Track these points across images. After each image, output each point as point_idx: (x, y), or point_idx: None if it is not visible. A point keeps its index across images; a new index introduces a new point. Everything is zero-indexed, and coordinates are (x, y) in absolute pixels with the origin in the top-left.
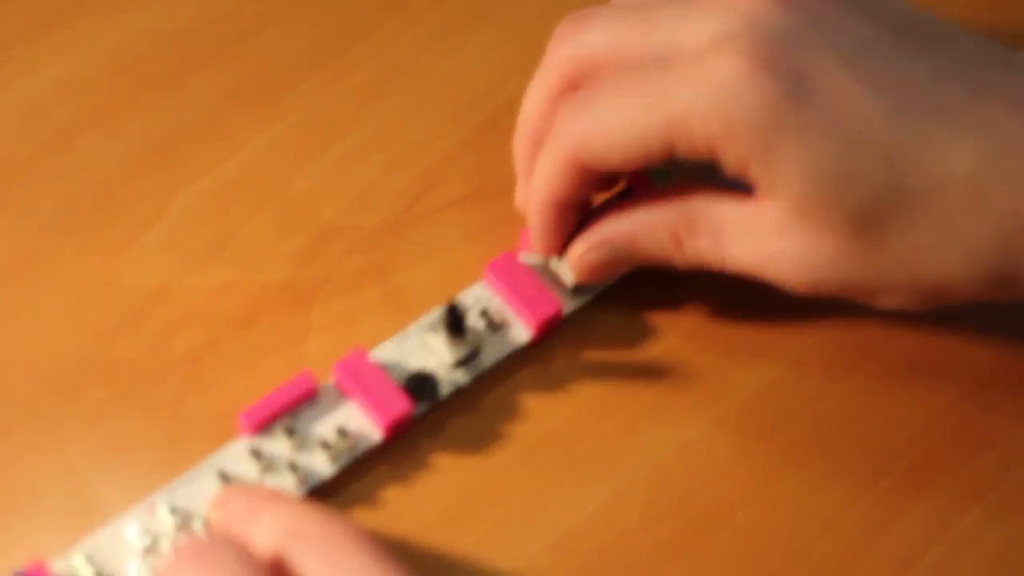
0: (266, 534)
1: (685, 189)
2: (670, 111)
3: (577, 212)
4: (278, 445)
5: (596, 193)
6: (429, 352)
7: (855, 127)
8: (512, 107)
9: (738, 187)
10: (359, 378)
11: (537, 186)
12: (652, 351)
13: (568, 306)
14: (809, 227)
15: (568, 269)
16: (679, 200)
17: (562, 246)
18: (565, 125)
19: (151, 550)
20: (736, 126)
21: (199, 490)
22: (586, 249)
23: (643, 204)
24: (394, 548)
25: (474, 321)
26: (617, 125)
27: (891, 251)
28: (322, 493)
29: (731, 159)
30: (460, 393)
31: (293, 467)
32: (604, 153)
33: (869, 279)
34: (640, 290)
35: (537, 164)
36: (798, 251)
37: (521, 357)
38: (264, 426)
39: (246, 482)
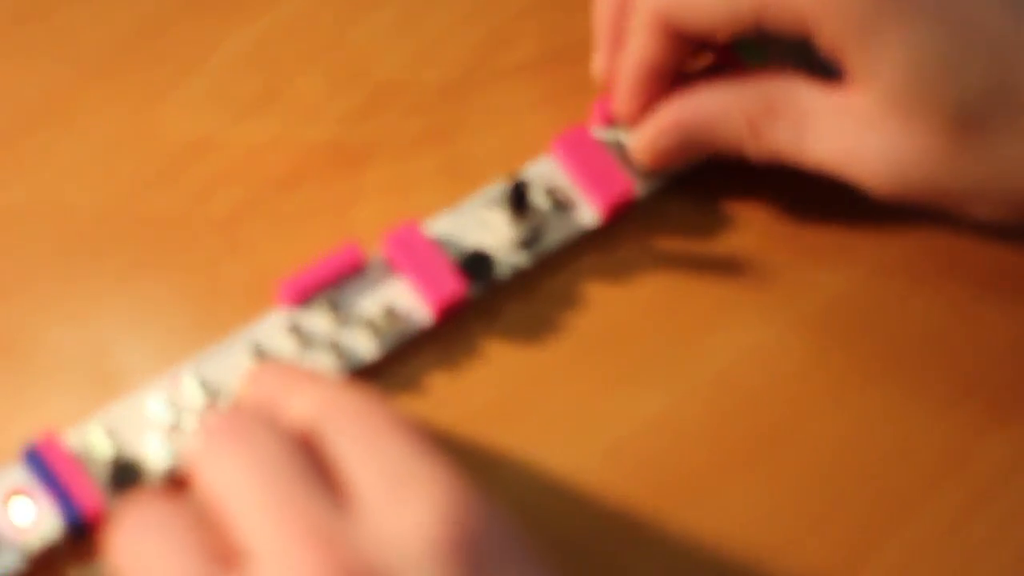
0: (299, 413)
1: (768, 71)
2: None
3: (667, 81)
4: (319, 320)
5: (689, 59)
6: (487, 229)
7: (965, 14)
8: None
9: (829, 75)
10: (411, 253)
11: (630, 49)
12: (726, 244)
13: (641, 188)
14: (902, 121)
15: (634, 153)
16: (760, 82)
17: (645, 112)
18: None
19: (174, 426)
20: (834, 1)
21: (230, 364)
22: (655, 132)
23: (720, 85)
24: (437, 439)
25: (538, 199)
26: None
27: (989, 156)
28: (363, 375)
29: (825, 37)
30: (518, 276)
31: (334, 345)
32: (691, 16)
33: (961, 185)
34: (719, 177)
35: (630, 27)
36: (887, 147)
37: (586, 241)
38: (305, 298)
39: (282, 358)
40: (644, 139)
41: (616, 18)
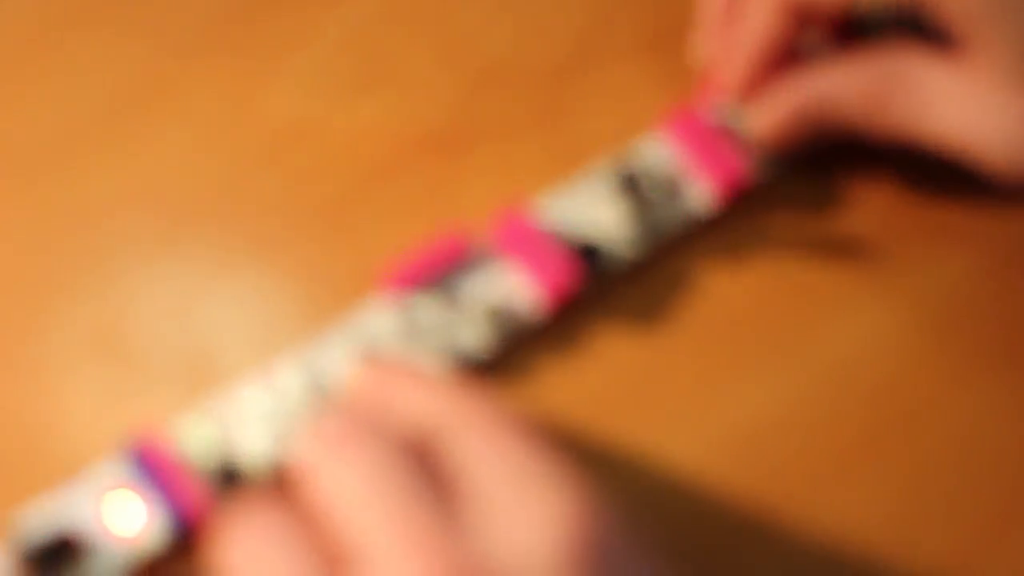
0: (414, 418)
1: (886, 46)
2: None
3: (782, 59)
4: (426, 310)
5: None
6: (599, 215)
7: None
8: None
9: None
10: (521, 239)
11: (752, 26)
12: (846, 228)
13: (758, 171)
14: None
15: (753, 134)
16: (879, 58)
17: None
18: None
19: (275, 419)
20: None
21: (334, 355)
22: (775, 112)
23: (839, 63)
24: (556, 438)
25: (650, 183)
26: None
27: None
28: (475, 368)
29: (948, 5)
30: (632, 262)
31: (441, 336)
32: None
33: None
34: (835, 158)
35: (751, 4)
36: (1010, 122)
37: (700, 226)
38: (411, 285)
39: (389, 351)
40: (764, 119)
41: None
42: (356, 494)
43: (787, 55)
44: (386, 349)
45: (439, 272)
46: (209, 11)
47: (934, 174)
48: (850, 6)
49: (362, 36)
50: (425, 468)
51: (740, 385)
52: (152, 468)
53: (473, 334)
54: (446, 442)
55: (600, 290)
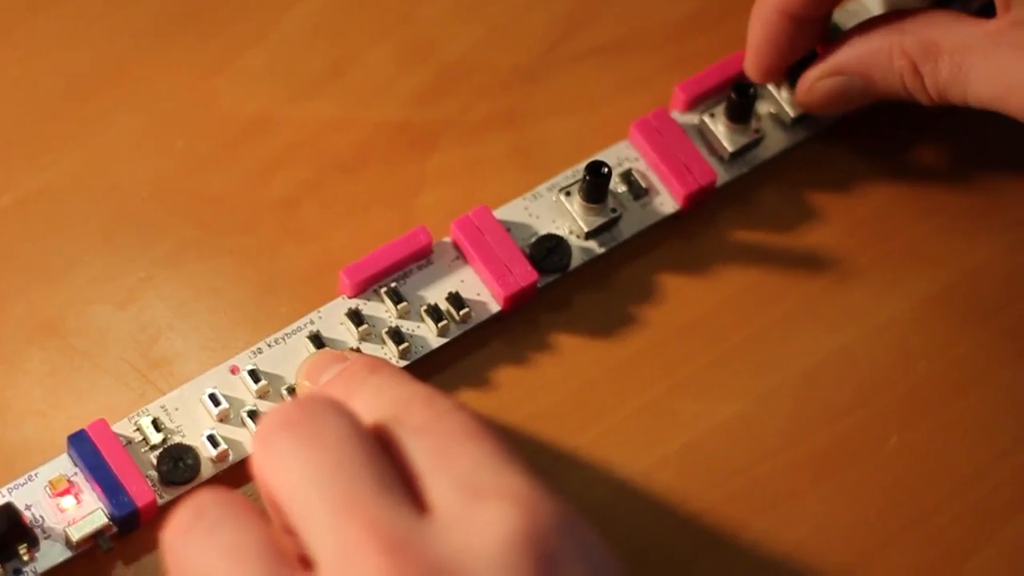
0: (367, 409)
1: (925, 11)
2: None
3: (805, 32)
4: (382, 309)
5: (826, 10)
6: (561, 216)
7: None
8: None
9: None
10: (480, 239)
11: None
12: (812, 238)
13: (723, 175)
14: None
15: (796, 98)
16: (917, 23)
17: (779, 69)
18: None
19: (229, 417)
20: None
21: (289, 353)
22: (818, 76)
23: (879, 27)
24: (509, 438)
25: (614, 185)
26: None
27: None
28: (428, 367)
29: None
30: (592, 265)
31: (397, 335)
32: None
33: None
34: (809, 163)
35: None
36: None
37: (664, 229)
38: (368, 286)
39: (342, 348)
40: (805, 84)
41: None
42: (310, 484)
43: (811, 32)
44: (342, 345)
45: (397, 270)
46: (169, 2)
47: (901, 190)
48: None
49: (323, 31)
50: (387, 458)
51: (699, 394)
52: (99, 457)
53: (427, 332)
54: (402, 435)
55: (560, 291)
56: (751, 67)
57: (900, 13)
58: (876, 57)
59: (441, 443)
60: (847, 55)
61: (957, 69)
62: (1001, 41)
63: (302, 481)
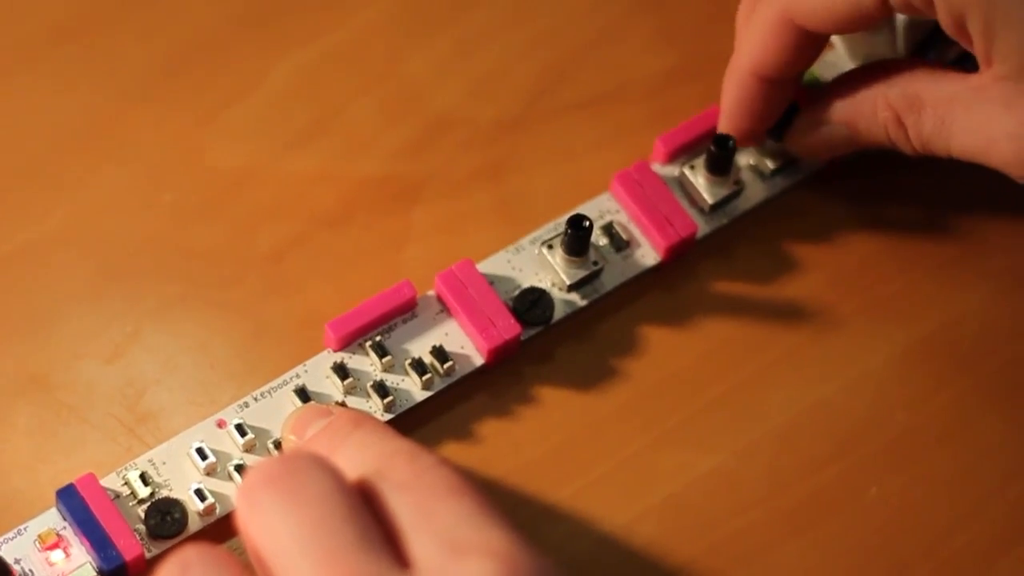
0: (350, 465)
1: (911, 64)
2: None
3: (777, 94)
4: (367, 363)
5: (803, 66)
6: (544, 269)
7: None
8: None
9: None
10: (463, 292)
11: (740, 50)
12: (795, 288)
13: (704, 227)
14: None
15: (786, 140)
16: (902, 75)
17: (756, 129)
18: None
19: (216, 471)
20: None
21: (275, 407)
22: (806, 125)
23: (865, 78)
24: (491, 491)
25: (596, 238)
26: None
27: None
28: (411, 419)
29: (946, 11)
30: (574, 318)
31: (382, 389)
32: (815, 7)
33: None
34: (789, 214)
35: (746, 27)
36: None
37: (646, 282)
38: (353, 339)
39: (327, 402)
40: (793, 135)
41: None
42: (293, 539)
43: (785, 92)
44: (328, 399)
45: (381, 324)
46: (153, 56)
47: (882, 241)
48: (853, 17)
49: (309, 86)
50: (369, 514)
51: (680, 447)
52: (87, 511)
53: (411, 385)
54: (384, 491)
55: (543, 344)
56: (727, 128)
57: (885, 65)
58: (861, 108)
59: (423, 499)
60: (833, 105)
61: (940, 122)
62: (983, 96)
63: (285, 536)
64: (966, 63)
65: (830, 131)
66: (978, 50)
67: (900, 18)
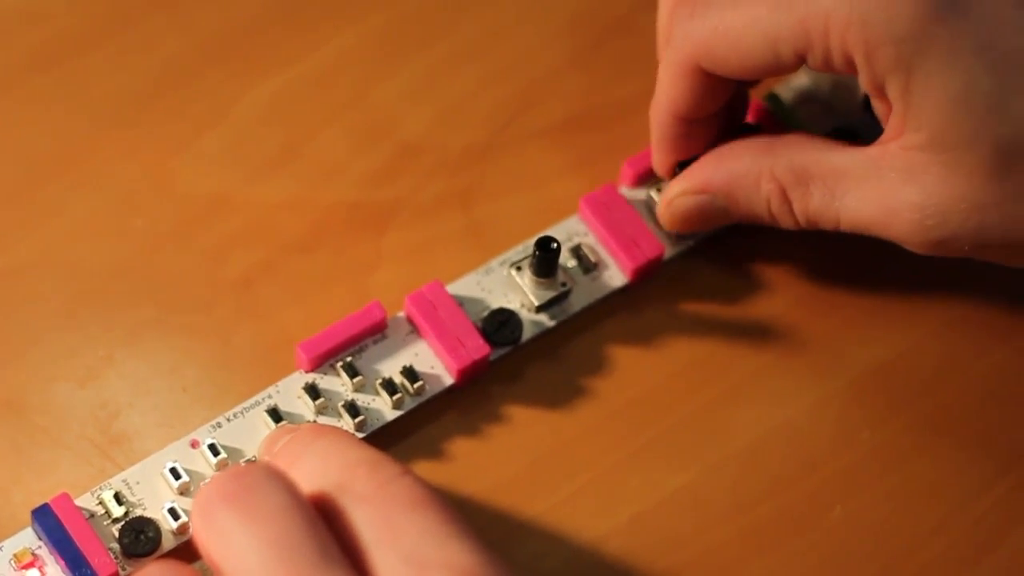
0: (311, 477)
1: (798, 136)
2: (807, 12)
3: (699, 129)
4: (338, 383)
5: (719, 106)
6: (512, 291)
7: (1008, 49)
8: (627, 24)
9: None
10: (433, 313)
11: (657, 92)
12: (759, 311)
13: (670, 249)
14: (947, 164)
15: (657, 213)
16: (790, 146)
17: (677, 167)
18: (686, 23)
19: (189, 490)
20: (879, 36)
21: (247, 427)
22: (679, 192)
23: (747, 149)
24: (458, 507)
25: (564, 259)
26: (744, 23)
27: None
28: (382, 438)
29: (868, 74)
30: (543, 338)
31: (353, 408)
32: (726, 55)
33: (1007, 233)
34: (752, 240)
35: (659, 69)
36: (930, 196)
37: (613, 303)
38: (324, 360)
39: (299, 422)
40: (667, 198)
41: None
42: (250, 556)
43: (710, 134)
44: (300, 419)
45: (352, 345)
46: (125, 84)
47: (847, 260)
48: (766, 67)
49: (278, 114)
50: (327, 528)
51: (647, 465)
52: (62, 530)
53: (381, 406)
54: (347, 505)
55: (512, 364)
56: (656, 165)
57: (772, 135)
58: (743, 179)
59: (386, 513)
60: (712, 173)
61: (830, 195)
62: (883, 166)
63: (243, 554)
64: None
65: (706, 201)
66: (894, 115)
67: None
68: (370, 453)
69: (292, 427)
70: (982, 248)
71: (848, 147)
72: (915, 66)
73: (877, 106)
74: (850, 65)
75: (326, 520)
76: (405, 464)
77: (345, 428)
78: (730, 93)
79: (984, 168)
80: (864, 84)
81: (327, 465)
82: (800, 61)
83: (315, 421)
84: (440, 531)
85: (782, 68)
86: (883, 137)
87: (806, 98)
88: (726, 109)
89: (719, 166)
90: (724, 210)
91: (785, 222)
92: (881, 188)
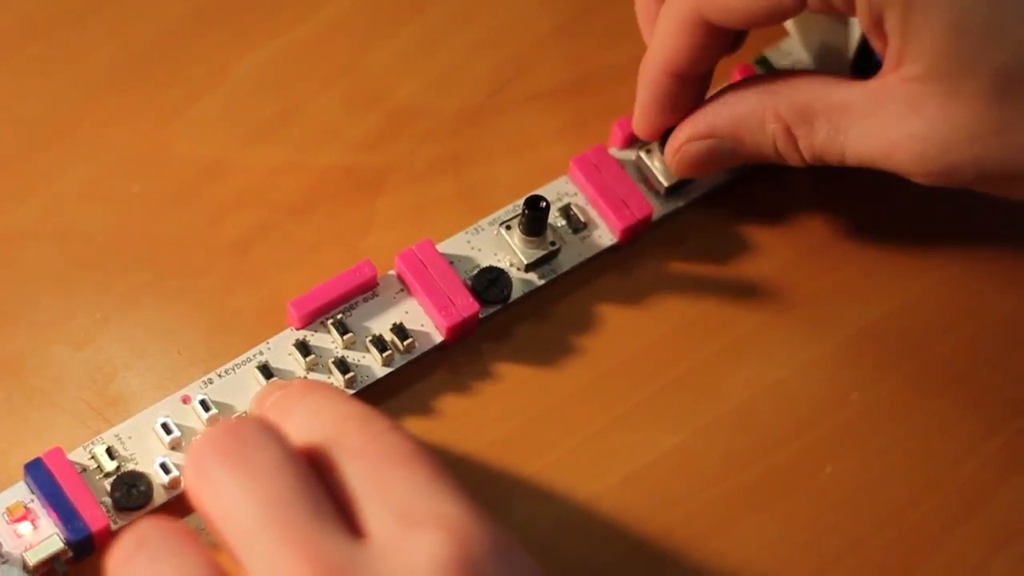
0: (303, 431)
1: (799, 74)
2: None
3: (691, 89)
4: (328, 340)
5: (715, 62)
6: (502, 249)
7: None
8: None
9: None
10: (423, 272)
11: (652, 48)
12: (751, 271)
13: (660, 209)
14: (946, 94)
15: (666, 161)
16: (792, 85)
17: (673, 124)
18: None
19: (181, 445)
20: None
21: (238, 384)
22: (686, 138)
23: (751, 88)
24: (449, 464)
25: (554, 219)
26: None
27: None
28: (372, 395)
29: (865, 7)
30: (532, 297)
31: (343, 365)
32: (727, 2)
33: (1009, 160)
34: (745, 198)
35: (656, 24)
36: (929, 128)
37: (603, 262)
38: (315, 318)
39: (289, 378)
40: (673, 145)
41: (653, 14)
42: (242, 508)
43: (697, 89)
44: (290, 375)
45: (343, 303)
46: (121, 50)
47: (839, 223)
48: (768, 13)
49: (273, 79)
50: (320, 481)
51: (638, 425)
52: (54, 483)
53: (371, 362)
54: (339, 458)
55: (502, 322)
56: (639, 126)
57: (773, 76)
58: (747, 120)
59: (376, 467)
60: (716, 117)
61: (834, 130)
62: (885, 98)
63: (236, 508)
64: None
65: (713, 145)
66: (891, 49)
67: None
68: (360, 408)
69: (283, 383)
70: (984, 178)
71: (850, 82)
72: None
73: (875, 43)
74: (849, 4)
75: (317, 474)
76: (393, 419)
77: (335, 385)
78: (726, 48)
79: (983, 96)
80: (862, 20)
81: (318, 419)
82: (801, 4)
83: (306, 377)
84: (430, 486)
85: (784, 11)
86: (882, 70)
87: (795, 61)
88: (710, 76)
89: (723, 110)
90: (731, 152)
91: (792, 159)
92: (883, 120)
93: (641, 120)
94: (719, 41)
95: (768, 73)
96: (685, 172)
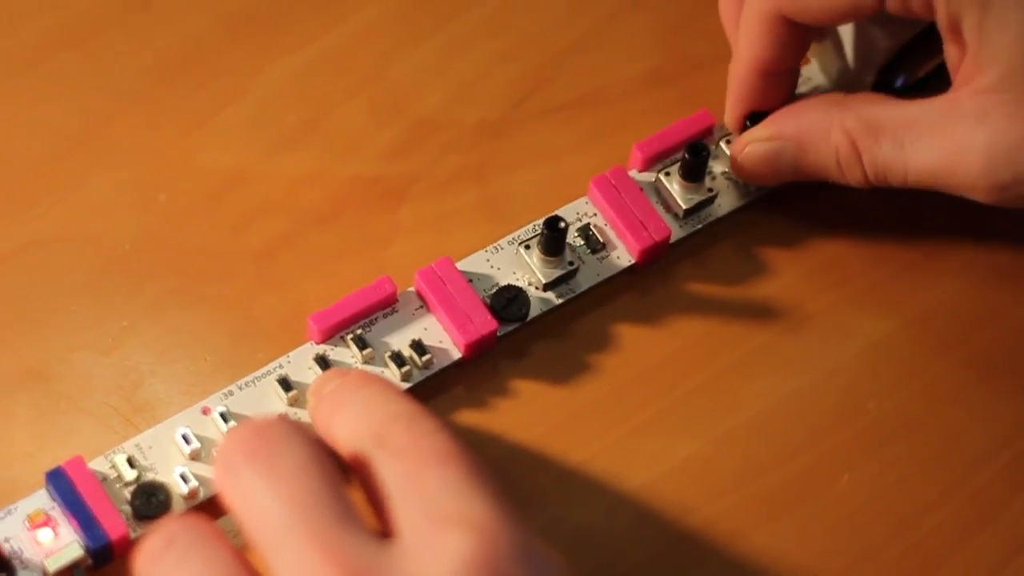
0: (352, 425)
1: (869, 93)
2: None
3: (777, 86)
4: (348, 355)
5: (798, 59)
6: (521, 268)
7: None
8: (640, 3)
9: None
10: (442, 289)
11: (737, 47)
12: (765, 290)
13: (677, 232)
14: (1015, 103)
15: (731, 155)
16: (862, 100)
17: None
18: None
19: (200, 456)
20: None
21: (257, 396)
22: (753, 137)
23: (822, 100)
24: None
25: (572, 239)
26: None
27: None
28: None
29: (944, 11)
30: (550, 315)
31: None
32: (807, 1)
33: None
34: (758, 223)
35: (740, 22)
36: (999, 137)
37: (620, 282)
38: (334, 332)
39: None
40: (739, 145)
41: (736, 15)
42: (270, 509)
43: (784, 83)
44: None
45: (362, 318)
46: (148, 60)
47: (851, 240)
48: (849, 11)
49: (299, 88)
50: (347, 480)
51: (654, 438)
52: (75, 492)
53: (389, 378)
54: (377, 458)
55: (520, 340)
56: (730, 121)
57: (842, 92)
58: (814, 128)
59: (413, 467)
60: (784, 122)
61: (899, 145)
62: (953, 112)
63: (263, 510)
64: (925, 90)
65: (777, 148)
66: (969, 56)
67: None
68: (411, 407)
69: (342, 371)
70: None
71: (918, 100)
72: (993, 5)
73: (950, 52)
74: (927, 6)
75: (355, 469)
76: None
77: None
78: (807, 46)
79: None
80: (940, 23)
81: (369, 414)
82: (879, 3)
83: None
84: (462, 485)
85: (861, 11)
86: (954, 85)
87: (815, 87)
88: (796, 72)
89: (791, 116)
90: (794, 160)
91: (852, 175)
92: (949, 134)
93: (731, 116)
94: (800, 38)
95: (841, 90)
96: (746, 172)
